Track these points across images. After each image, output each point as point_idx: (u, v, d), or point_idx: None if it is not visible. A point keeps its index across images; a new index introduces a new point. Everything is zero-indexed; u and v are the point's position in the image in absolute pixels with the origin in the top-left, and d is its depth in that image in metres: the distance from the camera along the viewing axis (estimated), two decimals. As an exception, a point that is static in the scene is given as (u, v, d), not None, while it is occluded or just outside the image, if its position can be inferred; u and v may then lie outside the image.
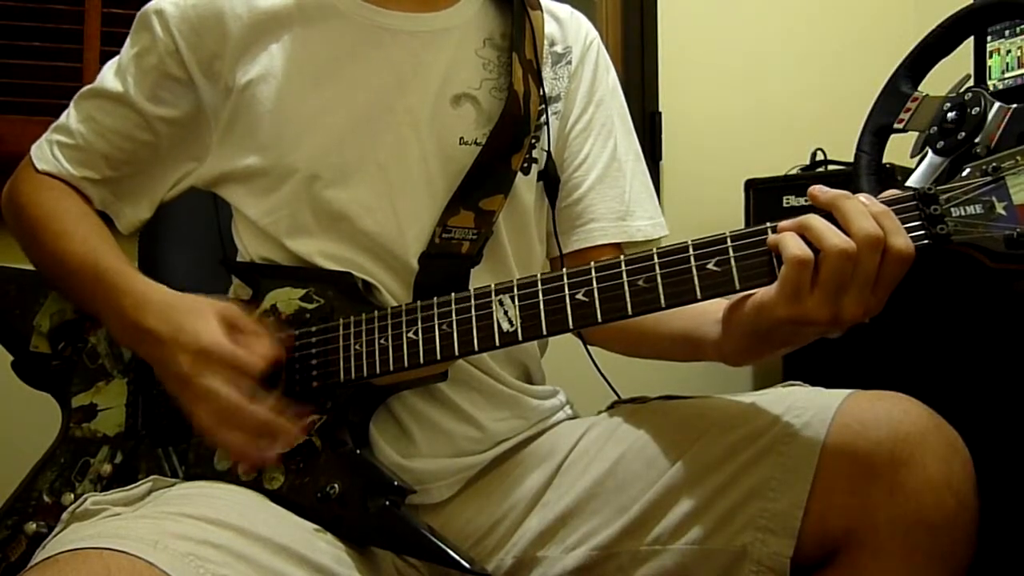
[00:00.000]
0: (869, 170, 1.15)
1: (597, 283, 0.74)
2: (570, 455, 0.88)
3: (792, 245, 0.67)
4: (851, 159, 1.17)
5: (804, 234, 0.68)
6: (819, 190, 0.70)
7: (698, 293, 0.71)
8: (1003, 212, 0.66)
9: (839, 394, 0.79)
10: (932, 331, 1.45)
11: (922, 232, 0.67)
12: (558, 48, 0.99)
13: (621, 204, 0.98)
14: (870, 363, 1.54)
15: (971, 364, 1.40)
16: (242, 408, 0.76)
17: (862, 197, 0.68)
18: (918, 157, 1.11)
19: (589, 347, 1.01)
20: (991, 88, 1.51)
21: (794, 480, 0.75)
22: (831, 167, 1.73)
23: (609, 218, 0.97)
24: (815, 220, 0.68)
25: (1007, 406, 1.33)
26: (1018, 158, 0.67)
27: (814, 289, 0.67)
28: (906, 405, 0.76)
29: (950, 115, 1.04)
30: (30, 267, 0.95)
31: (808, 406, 0.78)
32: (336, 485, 0.79)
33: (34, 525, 0.85)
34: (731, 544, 0.77)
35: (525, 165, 0.92)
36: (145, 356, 0.84)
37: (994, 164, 0.67)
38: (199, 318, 0.79)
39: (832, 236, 0.66)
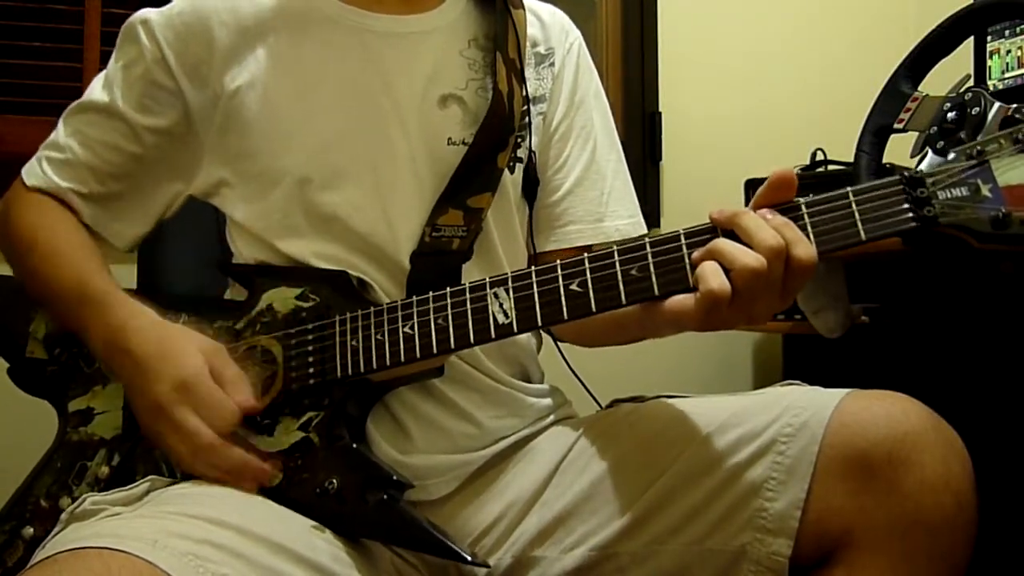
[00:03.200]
0: (869, 170, 1.15)
1: (591, 273, 0.74)
2: (568, 454, 0.89)
3: (711, 279, 0.69)
4: (851, 159, 1.16)
5: (716, 259, 0.69)
6: (717, 212, 0.72)
7: (691, 281, 0.71)
8: (988, 194, 0.68)
9: (837, 393, 0.79)
10: (931, 331, 1.45)
11: (911, 215, 0.68)
12: (541, 49, 0.99)
13: (599, 206, 0.99)
14: (869, 363, 1.54)
15: (971, 363, 1.40)
16: (214, 448, 0.78)
17: (764, 211, 0.71)
18: (918, 157, 1.11)
19: (580, 347, 1.01)
20: (991, 88, 1.51)
21: (792, 480, 0.75)
22: (831, 167, 1.73)
23: (587, 220, 0.98)
24: (723, 244, 0.70)
25: (1007, 406, 1.33)
26: (1001, 141, 0.68)
27: (730, 303, 0.69)
28: (904, 405, 0.76)
29: (950, 115, 1.04)
30: None
31: (806, 406, 0.78)
32: (335, 480, 0.79)
33: (31, 530, 0.85)
34: (729, 544, 0.77)
35: (511, 164, 0.93)
36: (124, 380, 0.84)
37: (978, 148, 0.69)
38: (183, 352, 0.80)
39: (742, 256, 0.68)
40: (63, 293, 0.88)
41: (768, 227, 0.69)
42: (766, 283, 0.68)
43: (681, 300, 0.72)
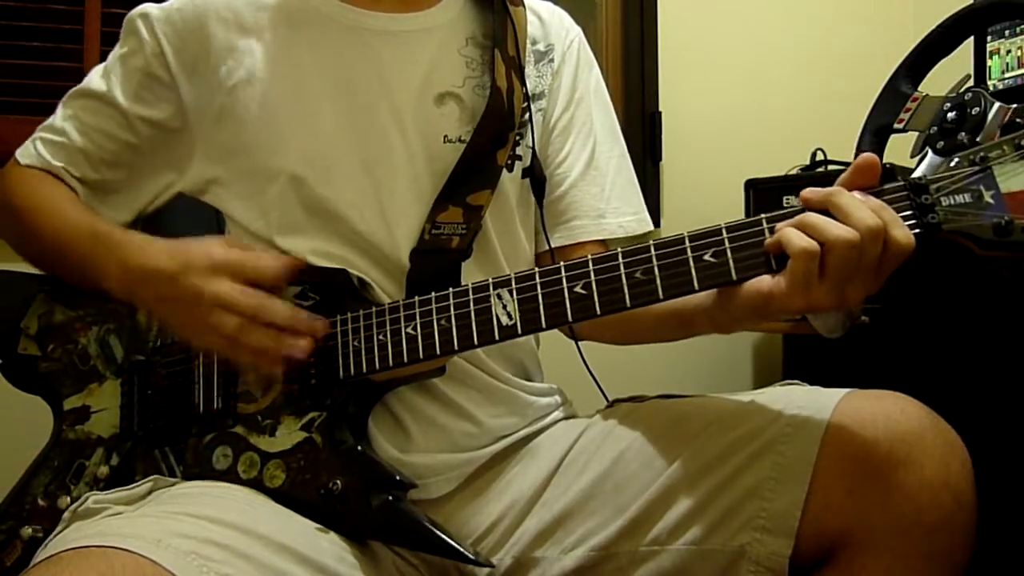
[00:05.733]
0: (869, 170, 1.15)
1: (595, 276, 0.74)
2: (568, 454, 0.89)
3: (797, 238, 0.68)
4: (851, 159, 1.16)
5: (805, 231, 0.68)
6: (811, 191, 0.71)
7: (696, 284, 0.71)
8: (991, 201, 0.68)
9: (837, 393, 0.79)
10: (931, 331, 1.45)
11: (914, 221, 0.69)
12: (540, 46, 1.00)
13: (600, 202, 0.99)
14: (869, 363, 1.54)
15: (970, 363, 1.40)
16: (263, 304, 0.78)
17: (856, 193, 0.70)
18: (918, 157, 1.11)
19: (580, 344, 1.01)
20: (991, 88, 1.51)
21: (791, 480, 0.75)
22: (831, 167, 1.73)
23: (590, 216, 0.98)
24: (813, 217, 0.69)
25: (1007, 406, 1.33)
26: (1004, 148, 0.69)
27: (822, 279, 0.68)
28: (904, 404, 0.76)
29: (950, 115, 1.04)
30: (15, 269, 0.95)
31: (806, 405, 0.78)
32: (338, 481, 0.79)
33: (30, 529, 0.86)
34: (729, 544, 0.77)
35: (510, 162, 0.93)
36: (152, 299, 0.83)
37: (981, 154, 0.69)
38: (204, 244, 0.81)
39: (835, 228, 0.67)
40: (74, 241, 0.88)
41: (866, 207, 0.68)
42: (861, 261, 0.67)
43: (766, 283, 0.70)
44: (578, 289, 0.75)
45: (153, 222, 1.01)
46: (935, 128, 1.07)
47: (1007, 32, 1.51)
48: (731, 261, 0.71)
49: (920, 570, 0.72)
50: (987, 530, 0.76)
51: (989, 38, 1.53)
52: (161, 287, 0.81)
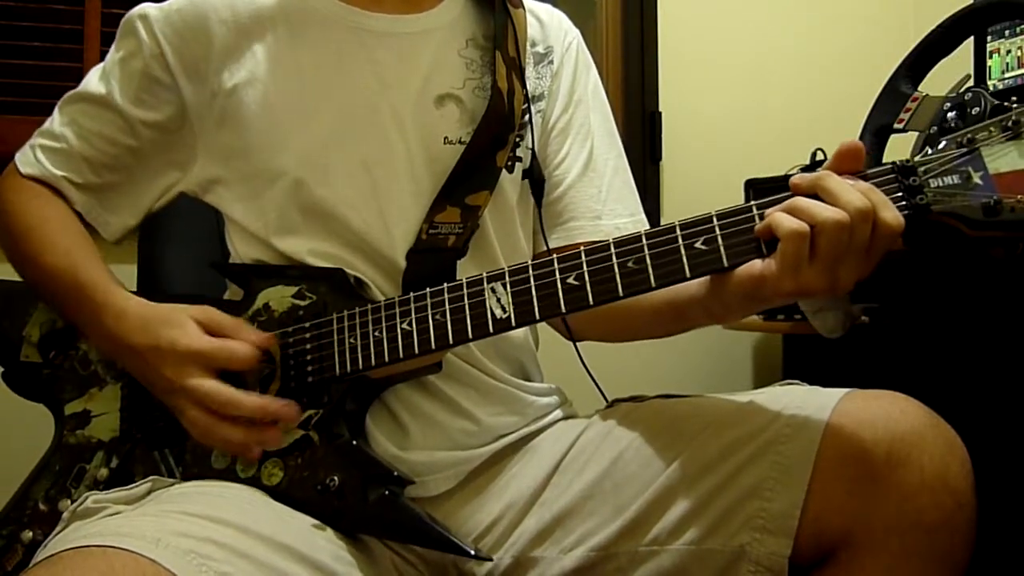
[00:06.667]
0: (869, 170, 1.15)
1: (587, 266, 0.74)
2: (568, 454, 0.89)
3: (787, 221, 0.68)
4: (851, 159, 1.16)
5: (794, 214, 0.69)
6: (799, 177, 0.71)
7: (687, 272, 0.72)
8: (980, 182, 0.68)
9: (836, 393, 0.79)
10: (931, 331, 1.45)
11: (903, 203, 0.69)
12: (540, 48, 1.00)
13: (597, 203, 0.99)
14: (869, 362, 1.54)
15: (970, 363, 1.40)
16: (232, 398, 0.78)
17: (845, 177, 0.70)
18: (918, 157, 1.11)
19: (579, 345, 1.01)
20: (991, 88, 1.51)
21: (791, 480, 0.75)
22: (831, 167, 1.73)
23: (587, 217, 0.99)
24: (803, 200, 0.69)
25: (1007, 405, 1.33)
26: (991, 129, 0.69)
27: (813, 261, 0.68)
28: (903, 404, 0.76)
29: (950, 115, 1.04)
30: (18, 278, 0.95)
31: (805, 405, 0.78)
32: (335, 478, 0.80)
33: (30, 533, 0.86)
34: (729, 544, 0.77)
35: (509, 163, 0.93)
36: (130, 369, 0.86)
37: (969, 136, 0.69)
38: (174, 327, 0.81)
39: (824, 210, 0.67)
40: (58, 285, 0.88)
41: (854, 190, 0.68)
42: (851, 243, 0.67)
43: (757, 266, 0.70)
44: (571, 280, 0.75)
45: (153, 222, 1.01)
46: (935, 128, 1.07)
47: (1007, 32, 1.51)
48: (722, 248, 0.71)
49: (919, 570, 0.72)
50: (987, 530, 0.76)
51: (989, 38, 1.53)
52: (135, 364, 0.83)
